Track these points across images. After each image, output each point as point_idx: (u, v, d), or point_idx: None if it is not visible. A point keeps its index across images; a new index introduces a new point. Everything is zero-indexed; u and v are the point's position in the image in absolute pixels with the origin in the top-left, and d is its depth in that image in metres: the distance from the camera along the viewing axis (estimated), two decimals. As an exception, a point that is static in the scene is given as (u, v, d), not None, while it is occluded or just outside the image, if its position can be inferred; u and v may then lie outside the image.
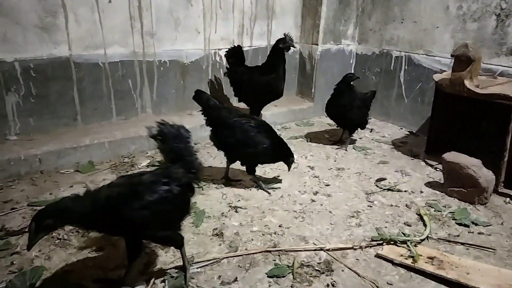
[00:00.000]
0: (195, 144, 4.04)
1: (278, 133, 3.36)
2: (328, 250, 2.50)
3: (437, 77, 3.82)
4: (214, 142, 3.29)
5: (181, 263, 2.26)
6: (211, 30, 4.54)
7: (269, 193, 3.21)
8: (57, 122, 3.77)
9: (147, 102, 4.31)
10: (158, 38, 4.18)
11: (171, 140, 2.19)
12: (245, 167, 3.31)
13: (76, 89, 3.80)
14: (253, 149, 3.11)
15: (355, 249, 2.53)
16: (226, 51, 4.47)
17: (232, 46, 4.45)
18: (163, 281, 2.17)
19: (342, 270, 2.33)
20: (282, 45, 4.10)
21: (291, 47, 4.14)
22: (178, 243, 2.15)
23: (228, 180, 3.39)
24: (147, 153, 3.92)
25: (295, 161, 3.39)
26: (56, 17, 3.54)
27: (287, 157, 3.27)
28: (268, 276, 2.26)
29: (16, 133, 3.59)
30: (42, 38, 3.52)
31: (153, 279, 2.17)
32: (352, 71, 5.43)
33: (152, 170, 2.24)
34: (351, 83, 4.11)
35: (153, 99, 4.35)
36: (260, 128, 3.15)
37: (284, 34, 4.10)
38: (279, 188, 3.31)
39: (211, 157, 3.91)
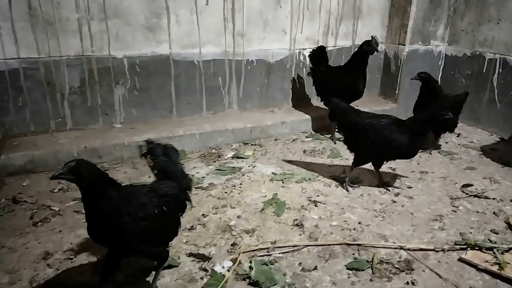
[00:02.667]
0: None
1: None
2: (408, 249, 2.52)
3: (536, 81, 3.59)
4: (348, 146, 3.37)
5: (264, 246, 2.44)
6: (297, 30, 4.69)
7: (348, 191, 3.27)
8: (155, 113, 4.18)
9: (233, 98, 4.58)
10: (248, 38, 4.42)
11: (161, 158, 2.20)
12: (355, 159, 3.33)
13: (173, 85, 4.18)
14: (392, 147, 3.10)
15: (437, 251, 2.51)
16: (310, 52, 4.58)
17: (316, 47, 4.55)
18: (250, 261, 2.35)
19: (423, 270, 2.34)
20: (366, 47, 4.11)
21: (374, 51, 4.13)
22: (164, 257, 2.11)
23: (384, 184, 3.35)
24: (232, 145, 4.17)
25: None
26: (160, 18, 3.92)
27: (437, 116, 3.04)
28: (347, 268, 2.34)
29: (121, 121, 4.05)
30: (148, 37, 3.93)
31: (239, 259, 2.36)
32: (441, 73, 5.27)
33: (148, 184, 2.18)
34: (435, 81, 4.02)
35: (239, 96, 4.60)
36: (393, 125, 3.12)
37: (372, 36, 4.09)
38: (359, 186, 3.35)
39: (291, 152, 4.06)
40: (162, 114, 4.22)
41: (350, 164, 3.39)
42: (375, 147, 3.15)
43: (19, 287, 2.16)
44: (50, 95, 3.70)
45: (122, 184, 2.00)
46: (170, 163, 2.22)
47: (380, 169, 3.37)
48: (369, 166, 3.41)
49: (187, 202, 2.27)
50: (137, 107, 4.08)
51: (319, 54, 4.51)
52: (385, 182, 3.38)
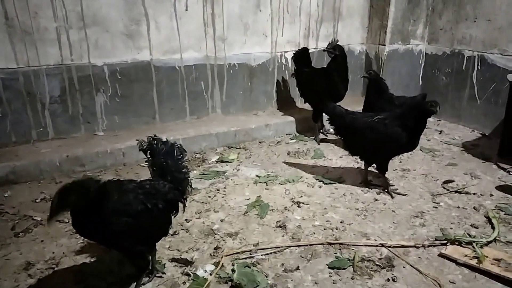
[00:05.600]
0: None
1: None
2: (389, 246, 2.54)
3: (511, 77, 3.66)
4: (348, 149, 3.41)
5: (247, 249, 2.45)
6: (278, 33, 4.72)
7: (392, 197, 3.21)
8: (138, 120, 4.18)
9: (217, 102, 4.60)
10: (229, 42, 4.44)
11: (160, 156, 2.18)
12: (377, 167, 3.33)
13: (155, 91, 4.19)
14: (390, 141, 3.09)
15: (418, 247, 2.54)
16: (293, 53, 4.60)
17: (299, 49, 4.58)
18: (232, 264, 2.36)
19: (404, 267, 2.37)
20: (325, 49, 4.18)
21: (329, 52, 4.15)
22: (142, 266, 2.10)
23: (367, 183, 3.40)
24: (216, 149, 4.18)
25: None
26: (140, 25, 3.93)
27: (424, 106, 2.97)
28: (329, 267, 2.36)
29: (103, 129, 4.04)
30: (127, 44, 3.93)
31: (221, 262, 2.37)
32: (421, 72, 5.35)
33: (143, 180, 2.17)
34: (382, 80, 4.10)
35: (222, 100, 4.62)
36: (387, 119, 3.12)
37: (332, 39, 4.17)
38: (406, 195, 3.25)
39: (275, 155, 4.07)
40: (145, 120, 4.22)
41: (379, 172, 3.36)
42: (376, 145, 3.15)
43: (-1, 299, 2.14)
44: (31, 105, 3.67)
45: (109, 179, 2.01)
46: (170, 161, 2.18)
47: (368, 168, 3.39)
48: (351, 164, 3.44)
49: (179, 203, 2.24)
50: (119, 114, 4.07)
51: (302, 56, 4.53)
52: (368, 181, 3.41)
